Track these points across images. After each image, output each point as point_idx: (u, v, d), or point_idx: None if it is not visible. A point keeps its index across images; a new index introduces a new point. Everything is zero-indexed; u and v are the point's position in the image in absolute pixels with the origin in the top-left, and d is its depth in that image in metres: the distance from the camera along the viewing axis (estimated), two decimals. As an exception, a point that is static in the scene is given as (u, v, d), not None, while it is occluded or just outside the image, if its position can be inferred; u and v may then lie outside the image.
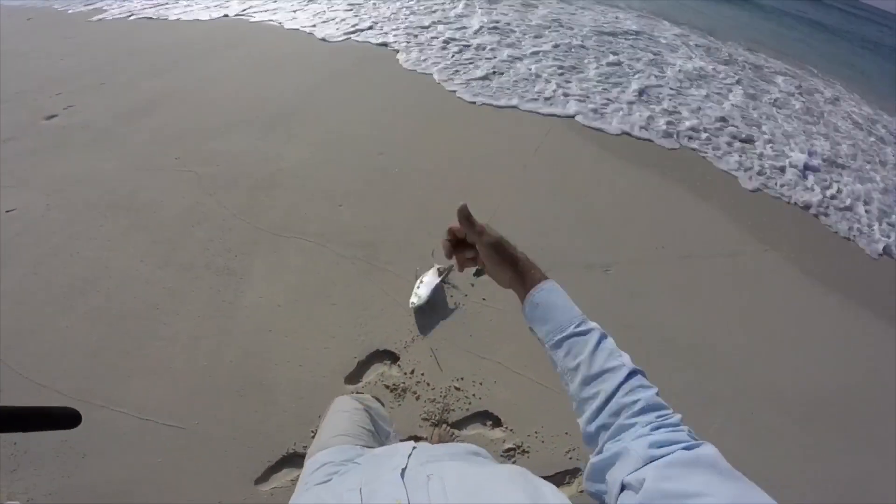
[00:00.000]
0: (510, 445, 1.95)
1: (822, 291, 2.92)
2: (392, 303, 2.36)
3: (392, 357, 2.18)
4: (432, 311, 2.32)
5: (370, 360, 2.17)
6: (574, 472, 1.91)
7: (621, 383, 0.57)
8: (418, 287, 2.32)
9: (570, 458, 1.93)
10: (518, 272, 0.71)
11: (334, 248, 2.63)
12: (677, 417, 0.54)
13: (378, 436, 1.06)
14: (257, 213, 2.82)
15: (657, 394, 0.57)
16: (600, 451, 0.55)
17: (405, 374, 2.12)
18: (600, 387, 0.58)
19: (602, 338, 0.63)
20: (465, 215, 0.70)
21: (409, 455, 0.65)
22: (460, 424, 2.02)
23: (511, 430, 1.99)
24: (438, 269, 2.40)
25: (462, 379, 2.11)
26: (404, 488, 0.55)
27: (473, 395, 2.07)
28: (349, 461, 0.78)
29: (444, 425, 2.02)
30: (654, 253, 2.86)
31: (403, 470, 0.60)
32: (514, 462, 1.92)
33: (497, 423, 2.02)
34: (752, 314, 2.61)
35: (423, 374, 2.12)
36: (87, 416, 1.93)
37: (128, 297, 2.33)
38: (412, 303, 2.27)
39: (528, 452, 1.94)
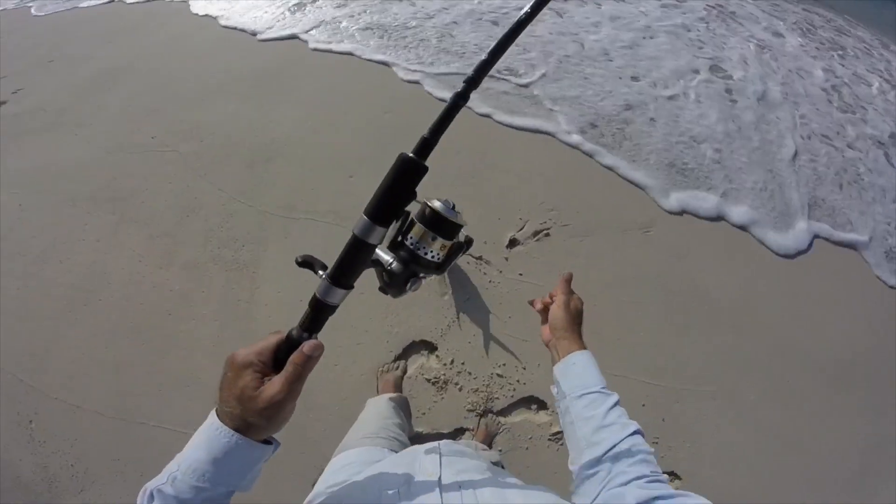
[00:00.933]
0: (556, 430, 1.94)
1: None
2: (424, 287, 2.19)
3: (430, 347, 2.08)
4: (461, 288, 2.17)
5: (407, 353, 2.08)
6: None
7: (627, 436, 0.63)
8: None
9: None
10: (573, 335, 0.81)
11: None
12: (664, 477, 0.60)
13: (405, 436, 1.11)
14: (258, 192, 2.51)
15: (652, 453, 0.63)
16: (595, 496, 0.59)
17: (445, 364, 2.04)
18: (607, 435, 0.64)
19: (617, 402, 0.70)
20: (568, 279, 0.87)
21: (440, 464, 0.70)
22: (505, 412, 1.99)
23: (556, 413, 1.95)
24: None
25: (504, 365, 2.03)
26: (440, 497, 0.60)
27: (517, 381, 2.01)
28: (373, 462, 0.81)
29: (490, 415, 1.99)
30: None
31: (439, 478, 0.65)
32: (560, 446, 1.93)
33: (542, 406, 1.99)
34: (791, 276, 2.45)
35: (463, 364, 2.04)
36: (131, 434, 1.95)
37: (135, 304, 2.16)
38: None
39: (576, 433, 1.93)
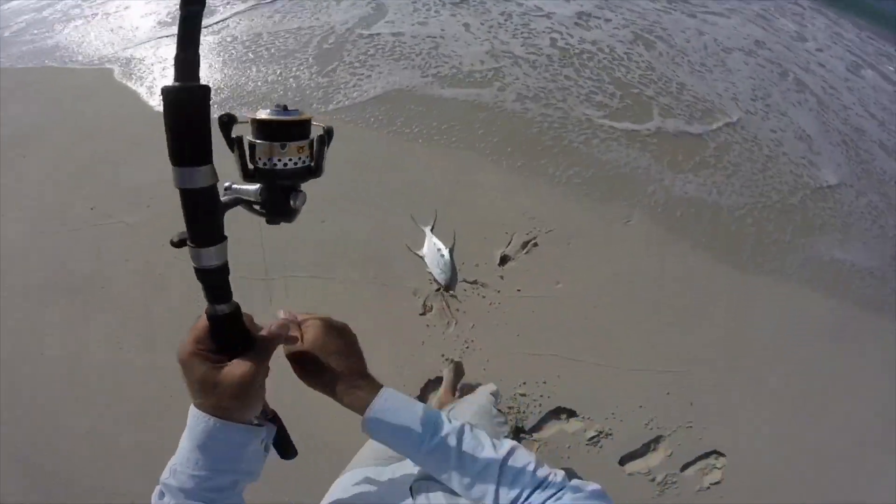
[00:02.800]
0: (592, 434, 1.93)
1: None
2: (425, 324, 2.17)
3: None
4: (465, 317, 2.16)
5: (424, 393, 2.02)
6: (657, 440, 1.94)
7: (499, 470, 0.56)
8: (441, 254, 2.21)
9: (651, 428, 1.94)
10: (350, 384, 0.62)
11: (338, 276, 2.34)
12: (561, 475, 0.56)
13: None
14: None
15: (535, 463, 0.57)
16: None
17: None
18: (483, 486, 0.55)
19: (461, 433, 0.59)
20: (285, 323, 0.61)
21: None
22: (536, 428, 1.97)
23: (589, 418, 1.96)
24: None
25: (524, 383, 2.02)
26: None
27: (541, 395, 2.00)
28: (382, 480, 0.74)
29: (522, 434, 1.97)
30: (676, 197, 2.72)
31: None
32: (600, 448, 1.92)
33: (572, 414, 1.98)
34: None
35: (483, 389, 2.02)
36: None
37: (132, 390, 2.01)
38: (440, 279, 2.18)
39: (610, 435, 1.93)
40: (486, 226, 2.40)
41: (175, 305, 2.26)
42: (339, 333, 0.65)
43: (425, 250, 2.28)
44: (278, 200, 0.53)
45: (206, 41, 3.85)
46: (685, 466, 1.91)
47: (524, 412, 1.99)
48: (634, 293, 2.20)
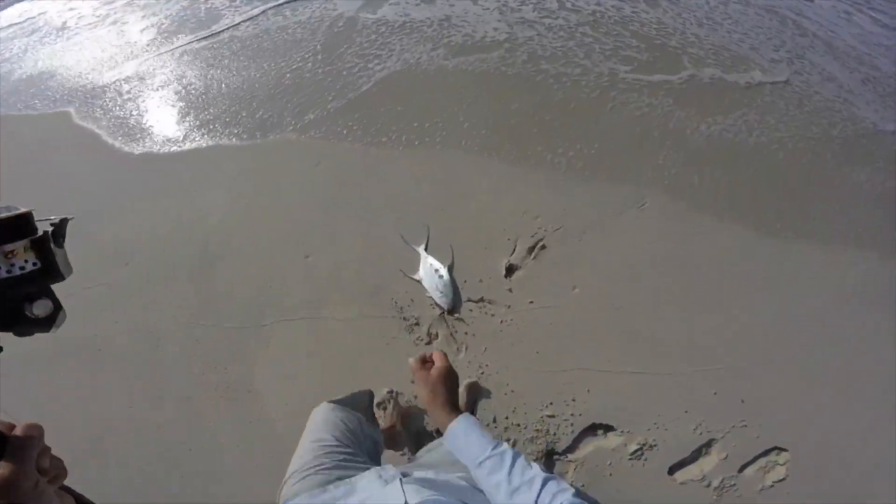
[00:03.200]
0: (634, 447, 1.76)
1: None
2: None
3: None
4: (474, 341, 1.98)
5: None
6: (709, 444, 1.75)
7: (539, 490, 0.67)
8: (439, 275, 2.03)
9: (700, 434, 1.75)
10: (440, 408, 0.84)
11: (333, 315, 2.18)
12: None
13: (360, 452, 1.04)
14: (215, 309, 2.29)
15: (575, 494, 0.65)
16: None
17: (488, 425, 1.85)
18: (521, 499, 0.67)
19: (515, 459, 0.73)
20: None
21: (403, 492, 0.72)
22: (572, 448, 1.81)
23: (629, 431, 1.79)
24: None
25: (551, 404, 1.85)
26: None
27: (571, 414, 1.83)
28: None
29: (556, 457, 1.82)
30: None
31: None
32: (645, 461, 1.76)
33: (609, 428, 1.81)
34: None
35: (507, 418, 1.86)
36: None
37: (148, 447, 1.99)
38: (442, 302, 2.01)
39: (655, 446, 1.76)
40: (485, 234, 2.18)
41: (171, 363, 2.20)
42: (451, 373, 0.90)
43: (422, 273, 2.10)
44: (15, 312, 0.48)
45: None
46: (743, 467, 1.72)
47: (555, 434, 1.83)
48: (661, 286, 1.97)
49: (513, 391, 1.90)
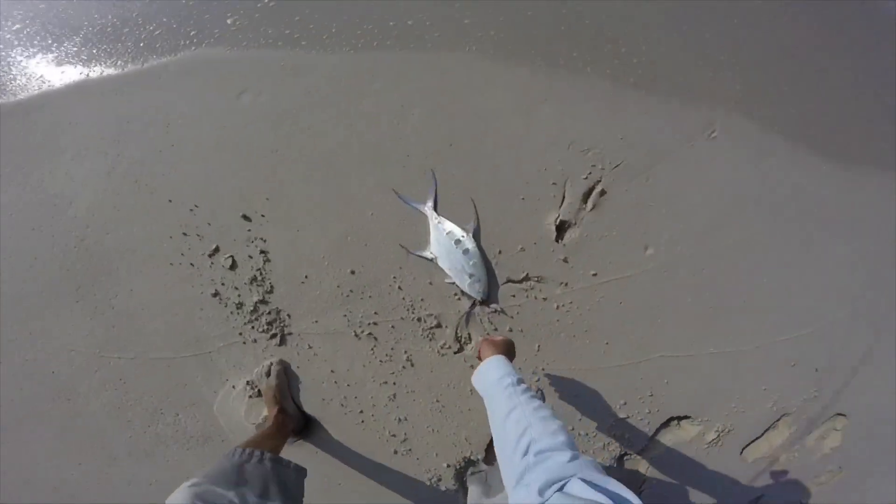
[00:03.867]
0: (711, 437, 1.50)
1: None
2: (469, 364, 1.39)
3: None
4: (525, 338, 1.41)
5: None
6: (779, 419, 1.55)
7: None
8: (462, 248, 1.38)
9: (775, 409, 1.53)
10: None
11: (306, 329, 1.38)
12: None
13: None
14: (130, 336, 1.35)
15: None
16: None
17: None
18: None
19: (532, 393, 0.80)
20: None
21: None
22: (650, 448, 1.49)
23: (706, 419, 1.50)
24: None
25: (625, 404, 1.45)
26: None
27: (648, 412, 1.47)
28: None
29: (626, 457, 1.49)
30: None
31: None
32: (720, 446, 1.51)
33: (684, 417, 1.50)
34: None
35: (572, 429, 1.43)
36: None
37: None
38: (473, 288, 1.39)
39: (731, 431, 1.51)
40: (517, 178, 1.44)
41: (101, 411, 1.31)
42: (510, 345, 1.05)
43: (434, 246, 1.35)
44: None
45: None
46: (806, 437, 1.59)
47: (629, 438, 1.46)
48: (739, 240, 1.51)
49: (576, 396, 1.43)
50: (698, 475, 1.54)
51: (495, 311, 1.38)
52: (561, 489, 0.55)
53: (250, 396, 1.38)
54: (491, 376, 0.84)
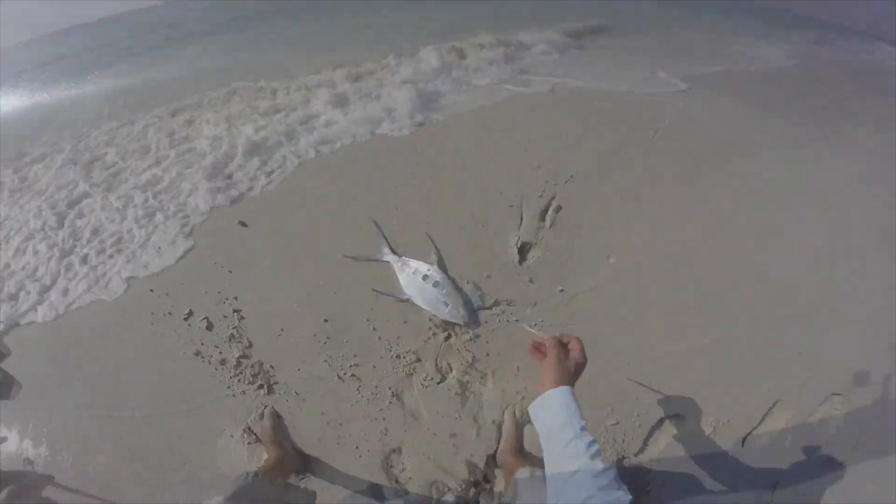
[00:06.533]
0: (708, 430, 1.50)
1: None
2: (455, 392, 1.44)
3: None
4: (501, 360, 1.46)
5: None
6: (773, 405, 1.53)
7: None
8: (432, 282, 1.44)
9: (768, 396, 1.51)
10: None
11: (286, 379, 1.47)
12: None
13: None
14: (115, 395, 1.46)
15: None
16: None
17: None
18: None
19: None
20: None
21: None
22: (644, 451, 1.49)
23: (702, 414, 1.49)
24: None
25: (612, 410, 1.48)
26: None
27: (638, 415, 1.49)
28: None
29: (625, 460, 1.50)
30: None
31: None
32: (720, 437, 1.51)
33: (679, 417, 1.51)
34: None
35: (566, 441, 1.45)
36: None
37: None
38: (457, 315, 1.44)
39: (728, 422, 1.50)
40: (474, 204, 1.50)
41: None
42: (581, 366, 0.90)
43: (405, 287, 1.42)
44: None
45: None
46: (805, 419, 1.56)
47: (623, 441, 1.48)
48: (713, 223, 1.53)
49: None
50: (704, 469, 1.53)
51: (470, 337, 1.44)
52: None
53: (249, 443, 1.48)
54: (553, 419, 0.78)
